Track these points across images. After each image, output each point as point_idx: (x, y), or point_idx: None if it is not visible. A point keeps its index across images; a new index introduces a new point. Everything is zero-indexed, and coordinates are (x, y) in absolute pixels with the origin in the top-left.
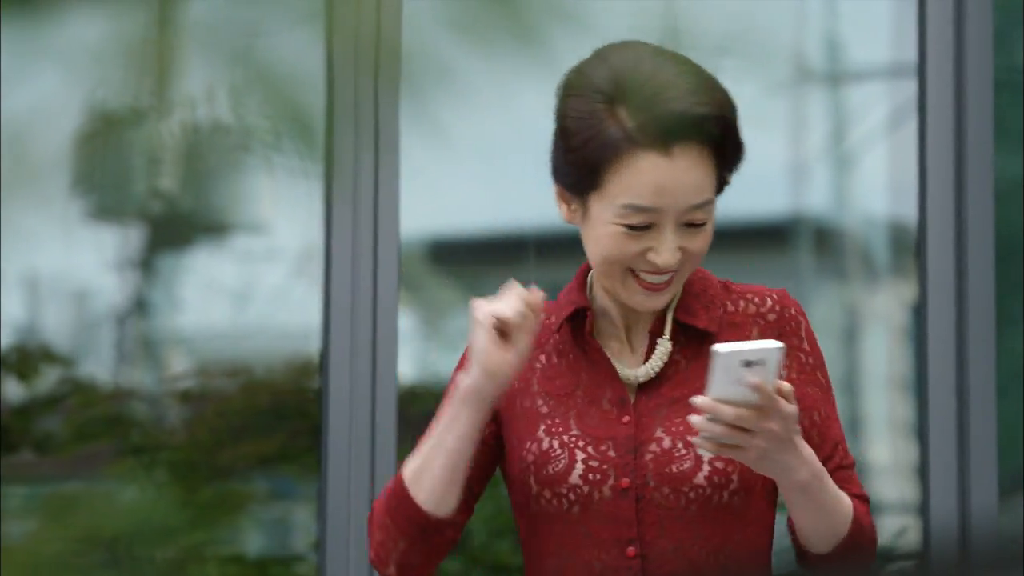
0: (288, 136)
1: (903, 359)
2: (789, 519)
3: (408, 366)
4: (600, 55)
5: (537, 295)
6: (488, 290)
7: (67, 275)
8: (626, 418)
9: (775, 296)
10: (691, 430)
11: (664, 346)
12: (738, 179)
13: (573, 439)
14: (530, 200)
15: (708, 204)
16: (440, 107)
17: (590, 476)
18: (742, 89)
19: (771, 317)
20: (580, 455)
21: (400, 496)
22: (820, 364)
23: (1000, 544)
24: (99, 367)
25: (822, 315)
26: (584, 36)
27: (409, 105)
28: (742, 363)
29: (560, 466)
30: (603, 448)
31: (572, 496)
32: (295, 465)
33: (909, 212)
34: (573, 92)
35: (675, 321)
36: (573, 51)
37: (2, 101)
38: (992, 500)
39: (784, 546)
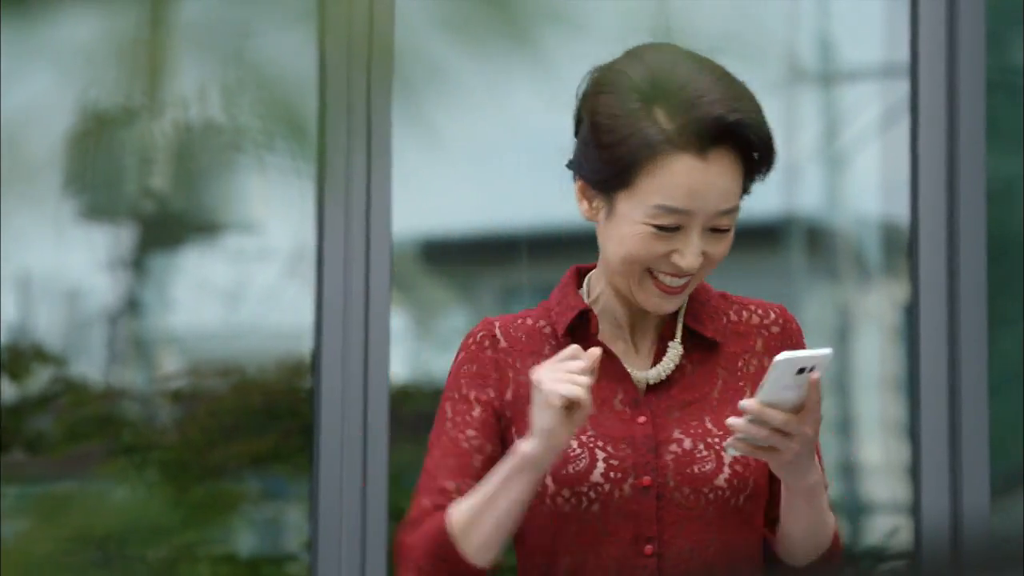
0: (280, 136)
1: (895, 359)
2: (767, 532)
3: (400, 366)
4: (634, 55)
5: (596, 354)
6: (480, 290)
7: (59, 275)
8: (642, 418)
9: (777, 310)
10: (710, 432)
11: (676, 350)
12: None
13: (591, 439)
14: (522, 200)
15: (734, 211)
16: (432, 107)
17: (611, 474)
18: None
19: (775, 329)
20: (600, 454)
21: (446, 547)
22: None
23: (992, 544)
24: (91, 367)
25: (814, 315)
26: (577, 36)
27: (401, 105)
28: (798, 369)
29: (581, 465)
30: (622, 447)
31: (593, 494)
32: (287, 465)
33: (901, 212)
34: (608, 89)
35: (683, 326)
36: (565, 51)
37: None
38: (984, 500)
39: None
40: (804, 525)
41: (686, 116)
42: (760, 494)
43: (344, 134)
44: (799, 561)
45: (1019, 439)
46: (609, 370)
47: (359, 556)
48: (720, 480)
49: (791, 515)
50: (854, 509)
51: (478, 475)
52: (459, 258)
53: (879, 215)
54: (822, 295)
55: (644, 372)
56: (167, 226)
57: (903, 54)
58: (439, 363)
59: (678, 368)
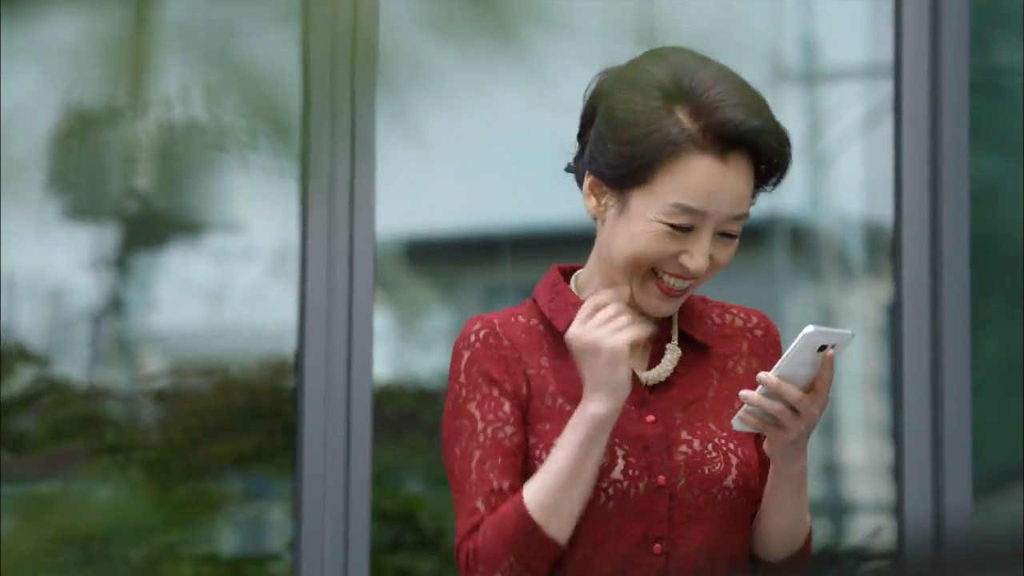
0: (264, 135)
1: (878, 359)
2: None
3: (383, 366)
4: (656, 54)
5: (608, 300)
6: (463, 290)
7: (42, 274)
8: (650, 417)
9: (757, 315)
10: (715, 433)
11: (675, 352)
12: None
13: (610, 436)
14: (506, 200)
15: (745, 217)
16: (416, 107)
17: (630, 472)
18: None
19: (758, 333)
20: (619, 451)
21: (532, 534)
22: None
23: (974, 544)
24: (74, 366)
25: (797, 315)
26: (561, 36)
27: (386, 104)
28: (819, 346)
29: (604, 461)
30: (639, 446)
31: (611, 491)
32: (270, 465)
33: (884, 212)
34: (630, 86)
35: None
36: (550, 51)
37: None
38: (966, 500)
39: None
40: (786, 516)
41: (710, 118)
42: (758, 495)
43: (328, 134)
44: (772, 557)
45: (1001, 439)
46: None
47: (342, 556)
48: (728, 481)
49: (776, 504)
50: (837, 509)
51: (522, 472)
52: (442, 258)
53: (862, 215)
54: (805, 295)
55: (644, 373)
56: (150, 225)
57: (887, 54)
58: (422, 363)
59: (674, 370)
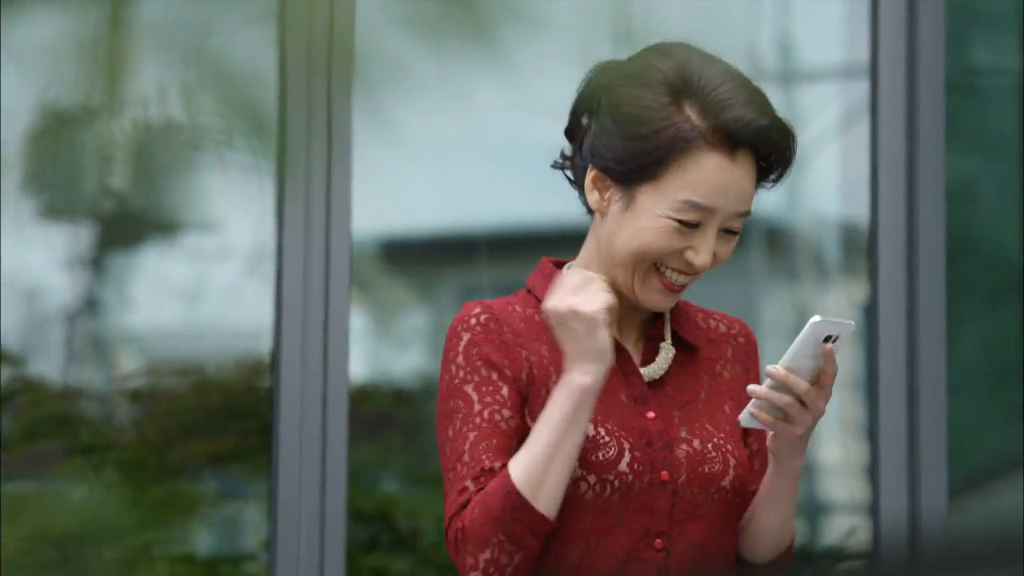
0: (240, 135)
1: (854, 359)
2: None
3: (359, 365)
4: (659, 50)
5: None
6: (439, 290)
7: (17, 273)
8: (650, 413)
9: (738, 322)
10: (713, 433)
11: (669, 350)
12: None
13: (616, 429)
14: (482, 200)
15: (748, 214)
16: (393, 106)
17: (635, 466)
18: None
19: (741, 340)
20: (626, 444)
21: (520, 508)
22: None
23: (950, 545)
24: (49, 366)
25: (773, 315)
26: (538, 35)
27: (362, 104)
28: (824, 337)
29: (611, 453)
30: (643, 441)
31: (617, 483)
32: (246, 464)
33: (861, 212)
34: (638, 82)
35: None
36: (527, 51)
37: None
38: (942, 500)
39: None
40: (779, 514)
41: (720, 116)
42: (749, 497)
43: (304, 133)
44: (759, 557)
45: (977, 439)
46: (617, 363)
47: (317, 556)
48: (726, 481)
49: (771, 503)
50: (812, 509)
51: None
52: (419, 258)
53: (838, 215)
54: (781, 295)
55: (642, 369)
56: (126, 225)
57: (863, 54)
58: (398, 363)
59: (667, 369)
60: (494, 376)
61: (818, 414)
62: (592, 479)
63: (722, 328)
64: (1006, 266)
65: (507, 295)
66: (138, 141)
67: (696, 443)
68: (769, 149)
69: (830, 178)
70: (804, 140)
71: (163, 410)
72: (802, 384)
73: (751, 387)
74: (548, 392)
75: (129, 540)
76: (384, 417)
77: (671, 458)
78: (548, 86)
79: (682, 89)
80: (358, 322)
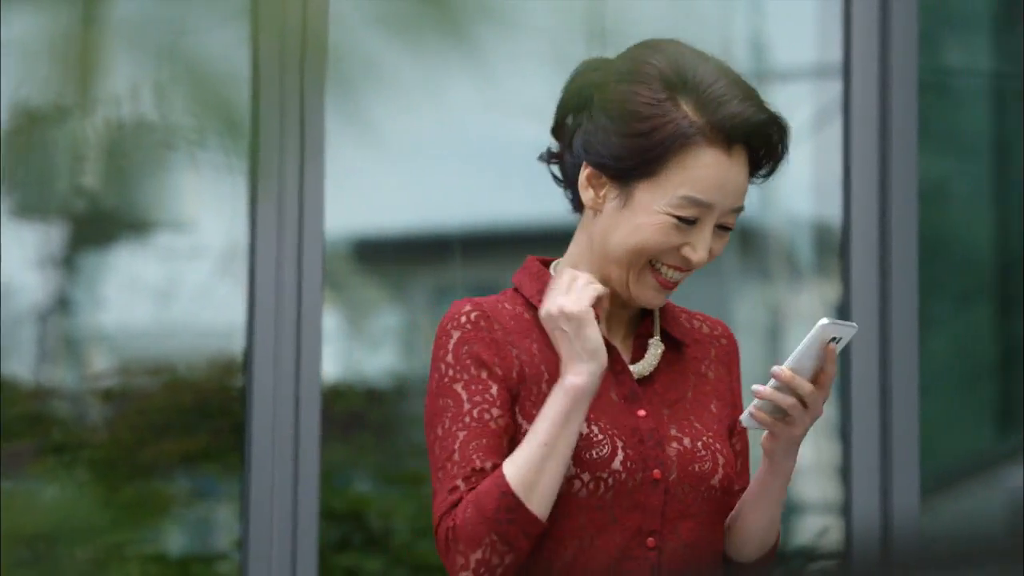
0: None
1: None
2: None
3: (332, 365)
4: (651, 46)
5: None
6: (412, 290)
7: None
8: (641, 411)
9: (721, 324)
10: (702, 432)
11: (658, 347)
12: None
13: (606, 426)
14: (455, 200)
15: (743, 209)
16: (367, 105)
17: (628, 464)
18: None
19: (723, 342)
20: (619, 442)
21: (513, 508)
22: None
23: (922, 545)
24: (20, 365)
25: (746, 315)
26: (513, 35)
27: (336, 103)
28: (830, 338)
29: (605, 452)
30: (635, 439)
31: (611, 481)
32: (218, 464)
33: (833, 212)
34: (635, 78)
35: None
36: (502, 50)
37: None
38: (914, 500)
39: None
40: (767, 514)
41: (717, 113)
42: (735, 497)
43: (277, 132)
44: (745, 557)
45: (949, 439)
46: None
47: (290, 555)
48: (715, 480)
49: (760, 503)
50: (785, 509)
51: (507, 454)
52: (392, 257)
53: (811, 215)
54: (754, 295)
55: (631, 366)
56: (98, 224)
57: (836, 54)
58: (371, 362)
59: (656, 367)
60: (484, 375)
61: (817, 415)
62: (586, 477)
63: (705, 329)
64: (978, 266)
65: (481, 294)
66: (110, 140)
67: (686, 441)
68: (764, 145)
69: (803, 178)
70: None
71: (135, 409)
72: (806, 385)
73: (755, 387)
74: (539, 390)
75: (101, 539)
76: (356, 417)
77: (663, 456)
78: (522, 85)
79: (678, 85)
80: (330, 322)
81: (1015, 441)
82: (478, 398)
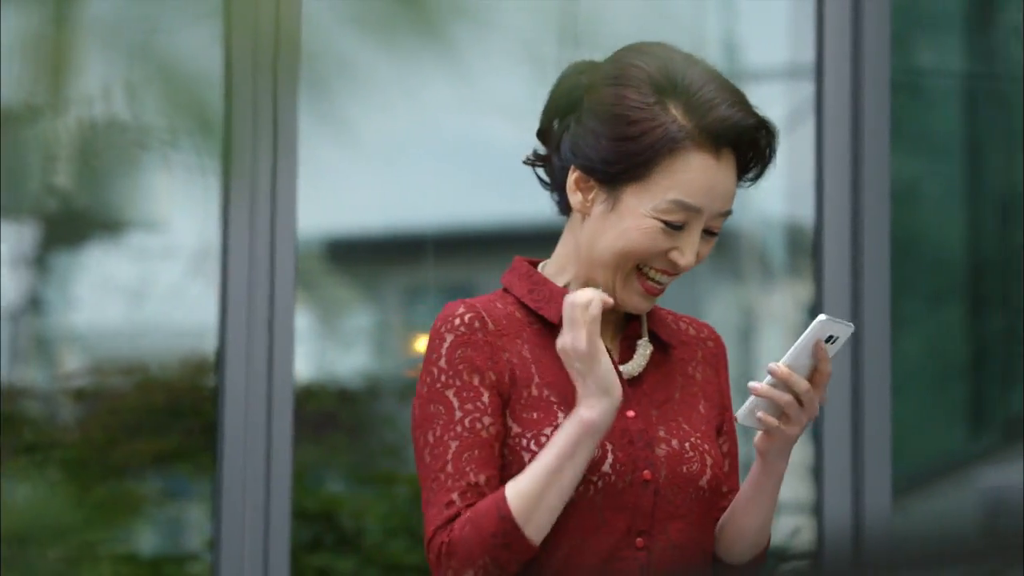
0: (185, 133)
1: None
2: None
3: (304, 365)
4: (639, 49)
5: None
6: (384, 290)
7: None
8: (630, 412)
9: (707, 327)
10: (690, 433)
11: (647, 348)
12: None
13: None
14: (428, 199)
15: (730, 213)
16: (341, 104)
17: (618, 466)
18: None
19: (710, 344)
20: (608, 445)
21: (510, 534)
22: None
23: (893, 545)
24: None
25: (719, 315)
26: (487, 34)
27: (309, 102)
28: (825, 337)
29: (595, 455)
30: (625, 440)
31: (601, 483)
32: (190, 464)
33: (805, 213)
34: (624, 82)
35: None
36: (477, 49)
37: None
38: (886, 501)
39: None
40: (760, 515)
41: (706, 117)
42: (723, 498)
43: (250, 132)
44: (736, 558)
45: (921, 440)
46: None
47: (262, 555)
48: (703, 481)
49: (753, 504)
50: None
51: (499, 464)
52: (364, 257)
53: (783, 216)
54: (726, 295)
55: (620, 367)
56: (71, 224)
57: (808, 55)
58: (343, 362)
59: (644, 367)
60: (476, 381)
61: (813, 414)
62: None
63: (692, 331)
64: (950, 266)
65: (453, 295)
66: (82, 139)
67: (675, 442)
68: (752, 149)
69: (775, 179)
70: None
71: (107, 409)
72: (803, 383)
73: (752, 384)
74: (528, 393)
75: (72, 539)
76: (329, 417)
77: (652, 457)
78: (497, 85)
79: (667, 89)
80: (303, 322)
81: (987, 441)
82: (469, 406)
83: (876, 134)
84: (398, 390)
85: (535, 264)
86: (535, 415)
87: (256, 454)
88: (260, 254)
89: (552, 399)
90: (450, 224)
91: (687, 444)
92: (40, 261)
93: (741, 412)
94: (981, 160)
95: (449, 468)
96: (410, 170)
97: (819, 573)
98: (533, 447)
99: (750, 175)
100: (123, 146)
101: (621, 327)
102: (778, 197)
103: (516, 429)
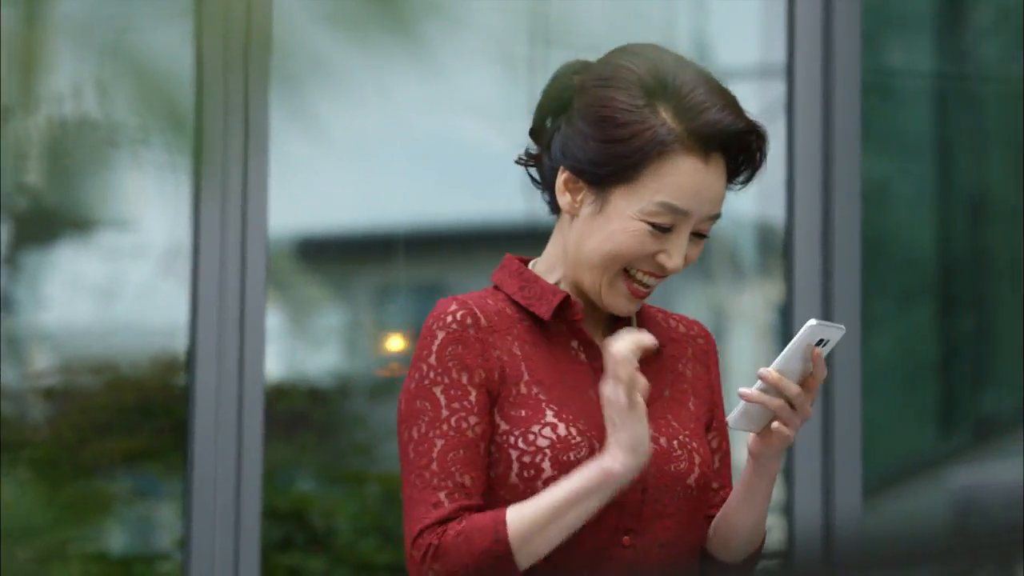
0: (156, 131)
1: (769, 359)
2: (706, 530)
3: (275, 364)
4: (631, 51)
5: (651, 340)
6: (355, 289)
7: None
8: None
9: (697, 324)
10: (678, 431)
11: None
12: None
13: (585, 428)
14: (400, 198)
15: (719, 216)
16: (313, 102)
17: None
18: None
19: (700, 341)
20: (596, 444)
21: (503, 559)
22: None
23: (863, 544)
24: None
25: (689, 315)
26: (459, 32)
27: (281, 100)
28: (816, 340)
29: (582, 454)
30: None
31: None
32: (160, 463)
33: (776, 213)
34: (614, 84)
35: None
36: (449, 47)
37: None
38: (856, 500)
39: None
40: (754, 514)
41: (696, 120)
42: (715, 497)
43: (221, 130)
44: (732, 557)
45: (891, 440)
46: (580, 361)
47: (232, 555)
48: (691, 480)
49: (746, 504)
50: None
51: (485, 464)
52: (335, 256)
53: (754, 215)
54: (697, 295)
55: None
56: (41, 222)
57: (779, 55)
58: (314, 361)
59: None
60: (464, 379)
61: (805, 416)
62: (563, 478)
63: (682, 328)
64: (920, 267)
65: (424, 294)
66: (53, 138)
67: (663, 441)
68: (742, 153)
69: None
70: None
71: (77, 408)
72: (793, 387)
73: (742, 390)
74: (517, 391)
75: (43, 538)
76: (299, 416)
77: None
78: (468, 83)
79: (657, 91)
80: (274, 321)
81: (957, 441)
82: (456, 404)
83: (847, 134)
84: (369, 389)
85: (525, 262)
86: (523, 413)
87: (227, 453)
88: (231, 253)
89: (541, 397)
90: (421, 223)
91: (675, 442)
92: (10, 260)
93: (732, 416)
94: (951, 160)
95: (435, 466)
96: (382, 169)
97: (790, 573)
98: (521, 444)
99: (740, 178)
100: (94, 144)
101: (611, 324)
102: (749, 197)
103: (504, 426)
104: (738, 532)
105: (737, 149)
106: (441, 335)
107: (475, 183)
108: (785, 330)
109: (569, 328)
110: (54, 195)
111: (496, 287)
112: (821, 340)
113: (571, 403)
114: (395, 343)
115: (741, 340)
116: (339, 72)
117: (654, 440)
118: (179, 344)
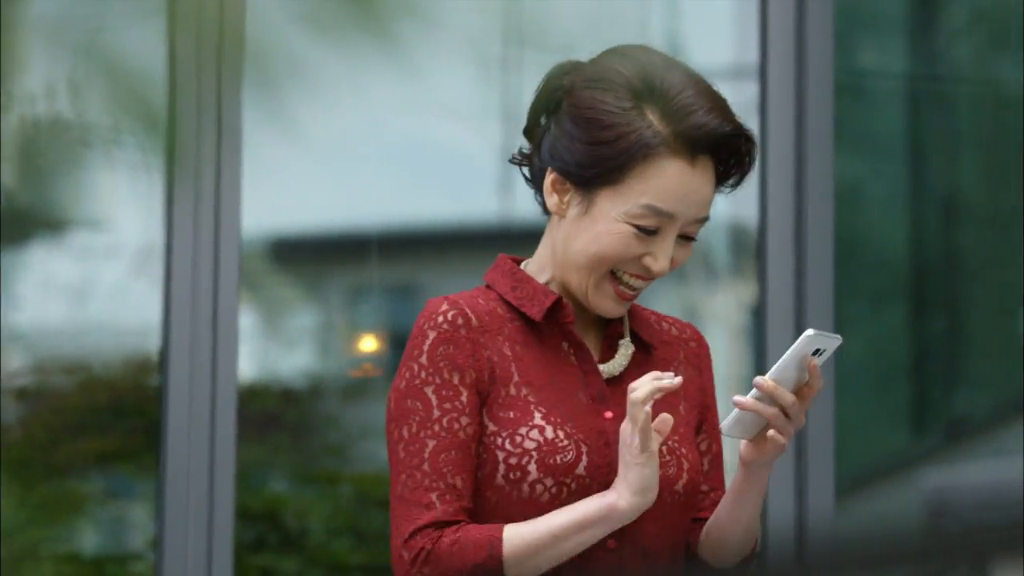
0: (129, 131)
1: (742, 360)
2: (697, 533)
3: (248, 365)
4: (621, 53)
5: (676, 381)
6: (328, 289)
7: None
8: (608, 413)
9: (690, 327)
10: (669, 438)
11: (629, 348)
12: None
13: (572, 431)
14: (373, 199)
15: (707, 220)
16: (285, 102)
17: (592, 469)
18: None
19: (692, 344)
20: (584, 447)
21: (493, 572)
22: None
23: (836, 545)
24: None
25: None
26: (434, 33)
27: (254, 100)
28: (812, 350)
29: (569, 457)
30: (601, 442)
31: (574, 486)
32: (133, 463)
33: (749, 213)
34: (601, 85)
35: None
36: (423, 47)
37: None
38: (829, 501)
39: None
40: (744, 521)
41: (683, 123)
42: (703, 501)
43: (194, 130)
44: (724, 561)
45: (864, 440)
46: (571, 363)
47: (205, 555)
48: (679, 485)
49: (737, 510)
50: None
51: (475, 465)
52: (308, 257)
53: (727, 216)
54: (670, 295)
55: (601, 366)
56: (13, 222)
57: (752, 55)
58: (287, 361)
59: (624, 367)
60: (455, 380)
61: (799, 425)
62: (549, 482)
63: (674, 331)
64: (892, 267)
65: (397, 295)
66: (25, 137)
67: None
68: (730, 156)
69: None
70: None
71: (50, 408)
72: (788, 396)
73: (736, 398)
74: (507, 392)
75: (15, 539)
76: (272, 416)
77: None
78: (443, 83)
79: (644, 94)
80: (247, 321)
81: (929, 442)
82: (447, 405)
83: (819, 135)
84: (342, 390)
85: (518, 262)
86: (511, 414)
87: (199, 454)
88: (204, 253)
89: (530, 399)
90: (395, 224)
91: (663, 448)
92: None
93: (725, 423)
94: (924, 161)
95: (426, 467)
96: (355, 169)
97: (762, 573)
98: (508, 446)
99: (729, 181)
100: (66, 144)
101: (603, 326)
102: (721, 198)
103: (492, 428)
104: (729, 539)
105: (726, 152)
106: (432, 335)
107: (449, 183)
108: (758, 331)
109: (560, 330)
110: (26, 195)
111: (488, 286)
112: (818, 350)
113: (560, 405)
114: (368, 344)
115: (714, 341)
116: (313, 72)
117: None
118: (152, 344)
